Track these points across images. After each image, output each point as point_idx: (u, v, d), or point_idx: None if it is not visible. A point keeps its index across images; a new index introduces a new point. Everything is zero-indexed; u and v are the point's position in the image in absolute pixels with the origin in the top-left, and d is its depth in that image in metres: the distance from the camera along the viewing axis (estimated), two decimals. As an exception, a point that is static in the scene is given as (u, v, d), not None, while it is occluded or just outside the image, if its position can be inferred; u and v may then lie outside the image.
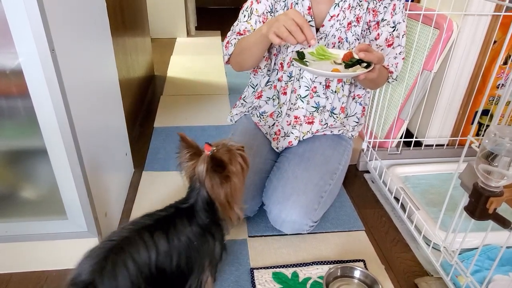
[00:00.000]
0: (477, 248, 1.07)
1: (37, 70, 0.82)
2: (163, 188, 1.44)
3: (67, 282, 0.72)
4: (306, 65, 1.03)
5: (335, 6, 1.14)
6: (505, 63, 1.44)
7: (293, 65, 1.21)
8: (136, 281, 0.73)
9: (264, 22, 1.18)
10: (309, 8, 1.14)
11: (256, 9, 1.17)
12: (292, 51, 1.17)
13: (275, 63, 1.27)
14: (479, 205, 0.75)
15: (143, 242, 0.76)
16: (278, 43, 0.97)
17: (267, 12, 1.18)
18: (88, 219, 1.02)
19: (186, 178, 0.89)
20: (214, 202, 0.86)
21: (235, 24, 1.21)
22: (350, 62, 1.03)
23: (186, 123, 1.92)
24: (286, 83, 1.25)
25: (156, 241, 0.78)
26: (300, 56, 1.08)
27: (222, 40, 3.42)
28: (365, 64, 1.02)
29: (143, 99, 2.16)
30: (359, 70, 1.00)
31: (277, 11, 1.18)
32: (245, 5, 1.20)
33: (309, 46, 1.03)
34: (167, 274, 0.80)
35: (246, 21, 1.18)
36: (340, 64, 1.05)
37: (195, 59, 2.99)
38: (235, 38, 1.16)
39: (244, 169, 0.89)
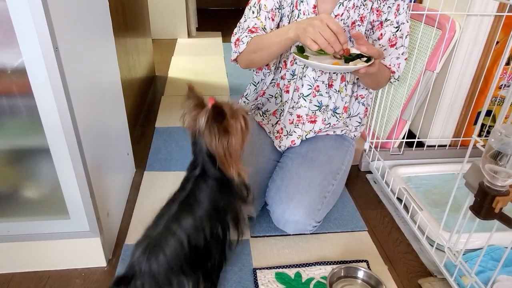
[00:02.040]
0: (480, 248, 1.07)
1: (41, 68, 0.81)
2: (164, 188, 1.43)
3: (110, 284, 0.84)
4: (307, 57, 1.03)
5: (340, 5, 1.14)
6: (508, 63, 1.44)
7: (296, 63, 1.21)
8: (174, 269, 0.83)
9: (273, 19, 1.17)
10: (315, 7, 1.14)
11: (265, 5, 1.16)
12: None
13: (279, 61, 1.26)
14: (485, 204, 0.75)
15: (172, 234, 0.85)
16: (316, 49, 0.96)
17: (275, 9, 1.17)
18: (91, 219, 1.01)
19: (188, 132, 0.93)
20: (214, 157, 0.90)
21: (242, 20, 1.20)
22: (350, 57, 1.03)
23: (188, 124, 1.91)
24: (289, 81, 1.25)
25: (184, 226, 0.86)
26: (300, 50, 1.08)
27: (223, 41, 3.43)
28: (365, 59, 1.02)
29: (144, 99, 2.16)
30: (359, 64, 1.00)
31: (283, 8, 1.18)
32: (252, 1, 1.19)
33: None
34: (203, 247, 0.89)
35: (256, 17, 1.16)
36: (340, 58, 1.05)
37: (196, 59, 2.99)
38: (246, 36, 1.14)
39: (243, 131, 0.92)
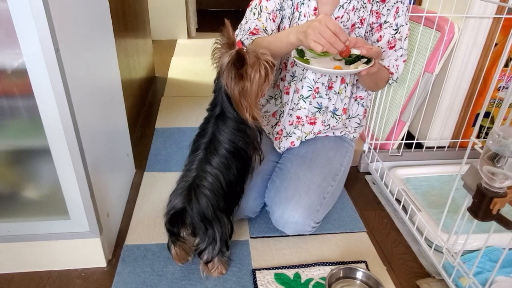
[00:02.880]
0: (478, 250, 1.07)
1: (42, 69, 0.82)
2: (164, 188, 1.44)
3: (166, 212, 0.98)
4: (308, 63, 1.03)
5: (340, 8, 1.14)
6: (506, 65, 1.45)
7: (296, 65, 1.22)
8: (214, 201, 0.96)
9: (274, 20, 1.18)
10: (315, 9, 1.15)
11: (266, 7, 1.17)
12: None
13: (279, 63, 1.27)
14: (483, 205, 0.75)
15: (208, 173, 0.97)
16: (320, 50, 0.96)
17: (276, 10, 1.18)
18: (91, 219, 1.02)
19: (216, 67, 1.00)
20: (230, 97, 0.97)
21: (243, 22, 1.21)
22: (350, 58, 1.04)
23: (187, 124, 1.92)
24: (289, 83, 1.26)
25: (215, 166, 0.97)
26: (300, 53, 1.08)
27: (223, 42, 3.43)
28: (365, 60, 1.02)
29: (144, 100, 2.16)
30: (360, 67, 1.00)
31: (284, 10, 1.18)
32: (253, 3, 1.20)
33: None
34: (233, 183, 1.01)
35: (257, 18, 1.17)
36: (340, 60, 1.06)
37: (195, 60, 2.99)
38: (248, 38, 1.15)
39: (262, 80, 0.97)
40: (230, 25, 0.97)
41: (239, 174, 1.02)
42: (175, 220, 0.96)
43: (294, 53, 1.08)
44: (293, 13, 1.18)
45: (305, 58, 1.07)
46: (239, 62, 0.92)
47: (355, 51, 1.04)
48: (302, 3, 1.16)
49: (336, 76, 1.22)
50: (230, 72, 0.93)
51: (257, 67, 0.95)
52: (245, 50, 0.93)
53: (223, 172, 0.98)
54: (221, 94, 0.98)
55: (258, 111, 1.00)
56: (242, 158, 1.02)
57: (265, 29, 1.17)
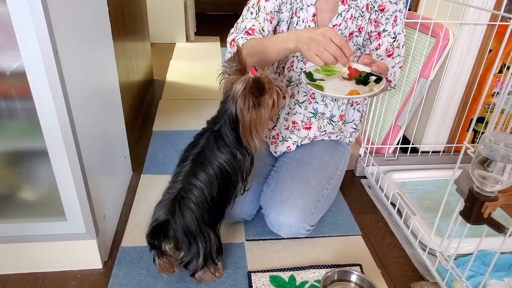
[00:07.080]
0: (471, 253, 1.08)
1: (41, 72, 0.83)
2: (160, 191, 1.42)
3: (149, 224, 0.97)
4: (322, 88, 1.02)
5: (338, 16, 1.15)
6: (500, 71, 1.46)
7: (293, 70, 1.23)
8: (199, 214, 0.95)
9: (271, 21, 1.16)
10: (314, 15, 1.15)
11: (264, 7, 1.15)
12: (301, 71, 1.17)
13: (277, 67, 1.28)
14: (474, 209, 0.77)
15: (194, 186, 0.96)
16: (321, 64, 0.95)
17: (274, 12, 1.16)
18: (87, 221, 1.02)
19: (222, 91, 0.98)
20: (238, 123, 0.95)
21: (239, 21, 1.19)
22: (361, 78, 1.04)
23: (185, 127, 1.93)
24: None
25: (201, 180, 0.96)
26: (309, 75, 1.07)
27: (221, 46, 3.45)
28: (374, 78, 1.03)
29: (142, 102, 2.17)
30: (375, 88, 1.01)
31: (282, 13, 1.17)
32: (251, 2, 1.18)
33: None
34: (216, 199, 0.99)
35: (254, 18, 1.15)
36: (349, 79, 1.05)
37: (194, 64, 3.00)
38: (242, 38, 1.11)
39: (274, 105, 0.96)
40: (242, 50, 0.95)
41: (221, 194, 1.00)
42: (157, 233, 0.94)
43: (305, 79, 1.06)
44: (292, 17, 1.19)
45: (317, 83, 1.05)
46: (258, 91, 0.90)
47: (363, 68, 1.04)
48: (301, 9, 1.16)
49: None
50: (247, 100, 0.90)
51: (270, 93, 0.93)
52: (258, 75, 0.91)
53: (207, 186, 0.97)
54: (226, 117, 0.97)
55: (262, 139, 0.99)
56: (225, 181, 1.00)
57: (262, 29, 1.15)
